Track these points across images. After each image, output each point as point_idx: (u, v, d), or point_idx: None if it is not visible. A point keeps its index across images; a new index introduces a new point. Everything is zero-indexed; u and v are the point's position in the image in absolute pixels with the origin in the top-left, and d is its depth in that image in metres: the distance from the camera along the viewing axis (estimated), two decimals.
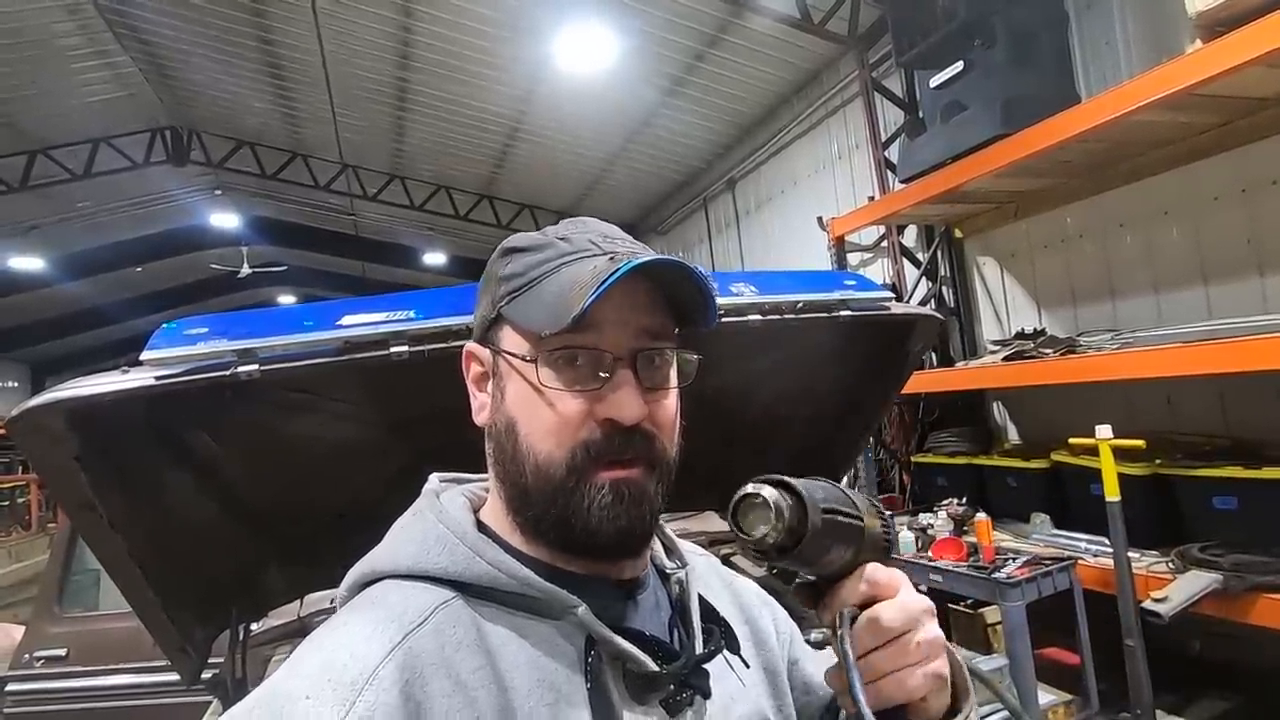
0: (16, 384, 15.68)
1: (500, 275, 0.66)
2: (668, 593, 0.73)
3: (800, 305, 1.60)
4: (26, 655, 2.79)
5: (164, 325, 1.25)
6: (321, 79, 7.22)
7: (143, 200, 10.49)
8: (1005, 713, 1.64)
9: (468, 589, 0.61)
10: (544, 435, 0.62)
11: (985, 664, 1.72)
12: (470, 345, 0.70)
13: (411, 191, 9.99)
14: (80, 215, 10.12)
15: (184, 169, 9.57)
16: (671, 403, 0.66)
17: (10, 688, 2.76)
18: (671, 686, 0.63)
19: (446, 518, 0.64)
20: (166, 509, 1.48)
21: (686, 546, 0.79)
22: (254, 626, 2.03)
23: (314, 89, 7.59)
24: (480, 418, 0.68)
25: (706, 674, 0.66)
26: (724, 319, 1.54)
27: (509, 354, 0.64)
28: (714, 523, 2.90)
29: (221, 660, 1.86)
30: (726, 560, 2.67)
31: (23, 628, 3.11)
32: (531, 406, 0.62)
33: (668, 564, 0.75)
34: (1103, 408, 3.33)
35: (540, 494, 0.61)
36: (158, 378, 1.18)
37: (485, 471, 0.70)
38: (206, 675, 1.87)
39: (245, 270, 11.72)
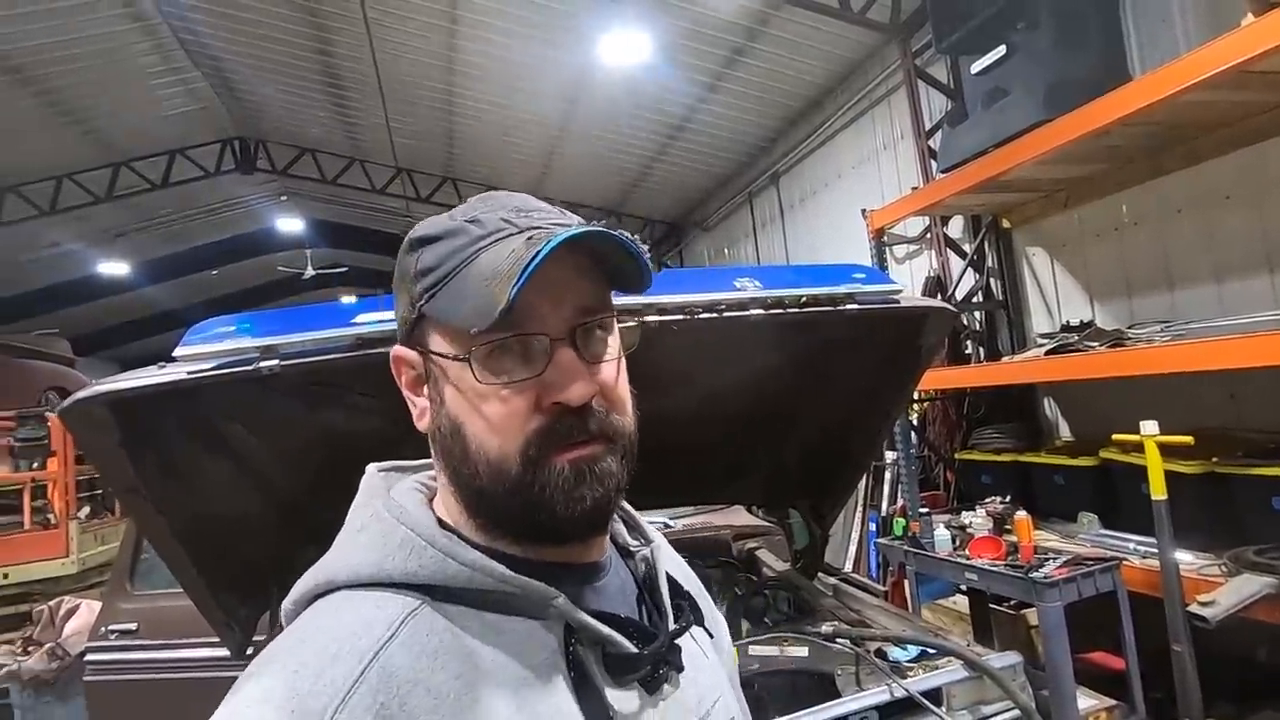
0: None
1: (414, 271, 0.62)
2: (632, 571, 0.72)
3: (804, 299, 1.60)
4: (103, 629, 3.06)
5: (197, 324, 1.37)
6: (376, 87, 7.51)
7: (215, 207, 11.13)
8: (1018, 711, 1.61)
9: (435, 592, 0.57)
10: (492, 432, 0.59)
11: (997, 661, 1.68)
12: (396, 349, 0.66)
13: (463, 192, 10.27)
14: (160, 223, 10.80)
15: (251, 176, 10.10)
16: (619, 371, 0.64)
17: (89, 658, 3.03)
18: (648, 666, 0.62)
19: (408, 518, 0.60)
20: (206, 493, 1.61)
21: (646, 522, 0.77)
22: None
23: (369, 97, 7.89)
24: (422, 424, 0.65)
25: (680, 649, 0.66)
26: (725, 313, 1.56)
27: (439, 355, 0.61)
28: (740, 516, 2.91)
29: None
30: (752, 554, 2.69)
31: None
32: (474, 406, 0.59)
33: (631, 541, 0.74)
34: (1160, 403, 3.17)
35: (498, 492, 0.59)
36: (189, 372, 1.29)
37: None
38: (252, 650, 2.01)
39: (309, 272, 12.27)
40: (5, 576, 4.94)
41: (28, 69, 6.73)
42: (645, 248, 0.61)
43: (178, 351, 1.30)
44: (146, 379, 1.27)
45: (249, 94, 8.50)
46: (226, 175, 9.86)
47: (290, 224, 12.20)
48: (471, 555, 0.58)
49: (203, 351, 1.31)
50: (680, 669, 0.65)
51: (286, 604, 0.62)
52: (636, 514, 0.77)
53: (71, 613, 4.04)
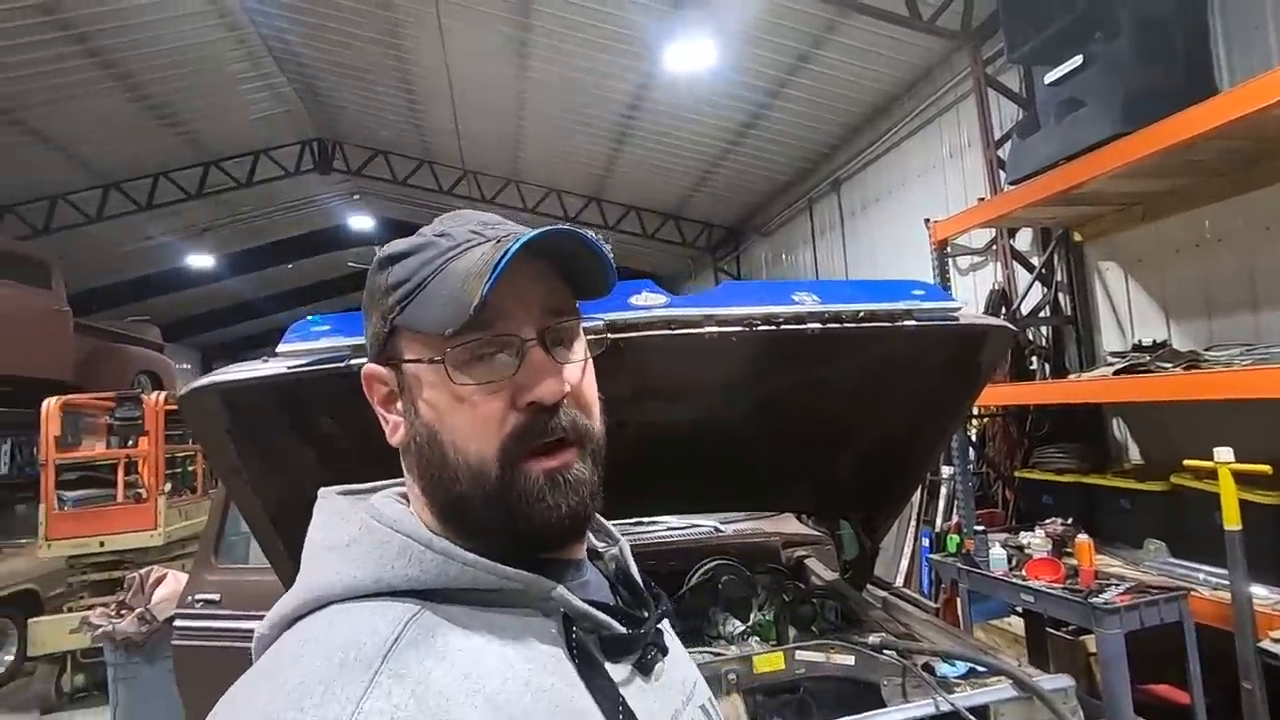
0: (190, 366, 17.93)
1: (385, 286, 0.63)
2: (602, 571, 0.74)
3: (861, 314, 1.63)
4: (189, 597, 3.31)
5: (297, 323, 1.50)
6: (447, 93, 7.81)
7: (293, 205, 11.73)
8: None
9: (433, 595, 0.58)
10: (470, 436, 0.60)
11: (1048, 683, 1.67)
12: (368, 367, 0.66)
13: (525, 195, 10.53)
14: (242, 219, 11.46)
15: (328, 176, 10.62)
16: (587, 375, 0.66)
17: (177, 623, 3.29)
18: (640, 648, 0.65)
19: (402, 526, 0.60)
20: (296, 479, 1.74)
21: (611, 525, 0.80)
22: None
23: (440, 102, 8.21)
24: (396, 438, 0.65)
25: (663, 634, 0.70)
26: (783, 326, 1.61)
27: (414, 362, 0.62)
28: (790, 524, 2.93)
29: None
30: (800, 562, 2.71)
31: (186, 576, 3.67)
32: (450, 411, 0.60)
33: (598, 544, 0.77)
34: (1240, 429, 3.04)
35: (477, 495, 0.60)
36: (289, 367, 1.41)
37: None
38: None
39: None
40: (101, 545, 5.36)
41: (137, 74, 7.27)
42: (609, 248, 0.63)
43: (280, 348, 1.43)
44: (253, 372, 1.41)
45: (329, 98, 8.95)
46: (305, 175, 10.40)
47: (361, 222, 12.75)
48: (470, 555, 0.59)
49: (301, 349, 1.44)
50: (666, 652, 0.68)
51: (262, 629, 0.60)
52: (601, 518, 0.78)
53: (159, 581, 4.36)
